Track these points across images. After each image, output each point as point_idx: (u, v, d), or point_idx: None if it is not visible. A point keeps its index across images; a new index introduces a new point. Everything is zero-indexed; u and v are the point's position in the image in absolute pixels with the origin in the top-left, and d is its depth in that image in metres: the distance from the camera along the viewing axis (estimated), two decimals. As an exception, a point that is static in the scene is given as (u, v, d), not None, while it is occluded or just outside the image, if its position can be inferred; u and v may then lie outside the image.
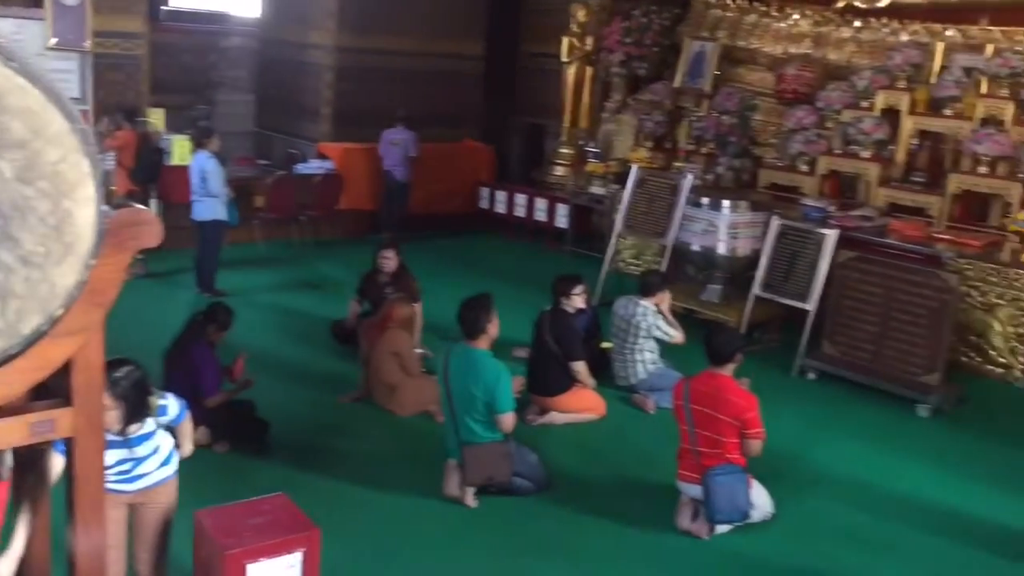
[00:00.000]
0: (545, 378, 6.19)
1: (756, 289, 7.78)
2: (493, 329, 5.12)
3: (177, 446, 3.86)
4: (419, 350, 6.79)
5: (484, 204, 11.96)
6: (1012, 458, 6.05)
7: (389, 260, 7.21)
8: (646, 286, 6.77)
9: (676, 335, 6.67)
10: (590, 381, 6.30)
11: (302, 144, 11.91)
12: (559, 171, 12.19)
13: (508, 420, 5.01)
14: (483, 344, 5.09)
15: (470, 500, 5.04)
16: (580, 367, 6.21)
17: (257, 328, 7.51)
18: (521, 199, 11.51)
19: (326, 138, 11.61)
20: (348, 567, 4.35)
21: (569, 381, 6.21)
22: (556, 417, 6.19)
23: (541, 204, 11.29)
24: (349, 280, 8.77)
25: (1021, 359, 7.28)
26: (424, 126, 11.44)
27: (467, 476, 5.02)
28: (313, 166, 11.14)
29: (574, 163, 11.85)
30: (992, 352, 7.41)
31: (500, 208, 11.76)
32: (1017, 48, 8.94)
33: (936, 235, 8.03)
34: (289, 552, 3.53)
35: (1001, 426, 6.55)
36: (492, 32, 12.87)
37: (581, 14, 12.10)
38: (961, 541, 4.97)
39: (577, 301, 6.39)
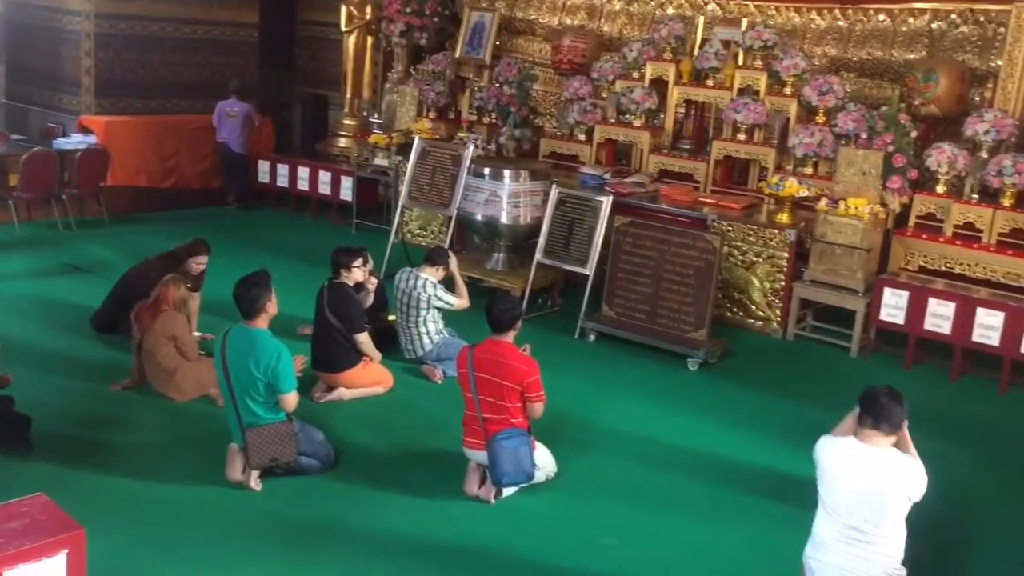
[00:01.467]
0: (329, 354, 6.10)
1: (538, 256, 7.99)
2: (272, 307, 5.00)
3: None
4: (197, 334, 6.51)
5: (264, 178, 11.54)
6: (770, 404, 6.55)
7: (202, 266, 6.78)
8: (429, 259, 6.79)
9: (458, 302, 6.74)
10: (375, 354, 6.27)
11: (62, 117, 11.08)
12: (343, 143, 11.98)
13: (291, 399, 4.92)
14: (262, 323, 4.95)
15: (254, 484, 4.92)
16: (363, 339, 6.17)
17: (14, 318, 6.98)
18: (304, 172, 11.21)
19: (88, 110, 10.85)
20: (123, 565, 4.15)
21: (355, 356, 6.15)
22: (344, 393, 6.12)
23: (325, 177, 11.04)
24: (118, 263, 8.30)
25: (777, 312, 7.88)
26: (196, 97, 10.97)
27: (250, 459, 4.88)
28: (74, 140, 10.42)
29: (357, 134, 11.69)
30: (753, 307, 7.99)
31: (282, 182, 11.40)
32: (769, 22, 9.59)
33: (702, 199, 8.54)
34: (50, 555, 3.30)
35: (760, 375, 7.07)
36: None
37: (359, -18, 11.91)
38: (728, 485, 5.33)
39: (357, 274, 6.33)
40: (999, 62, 8.35)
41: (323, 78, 12.98)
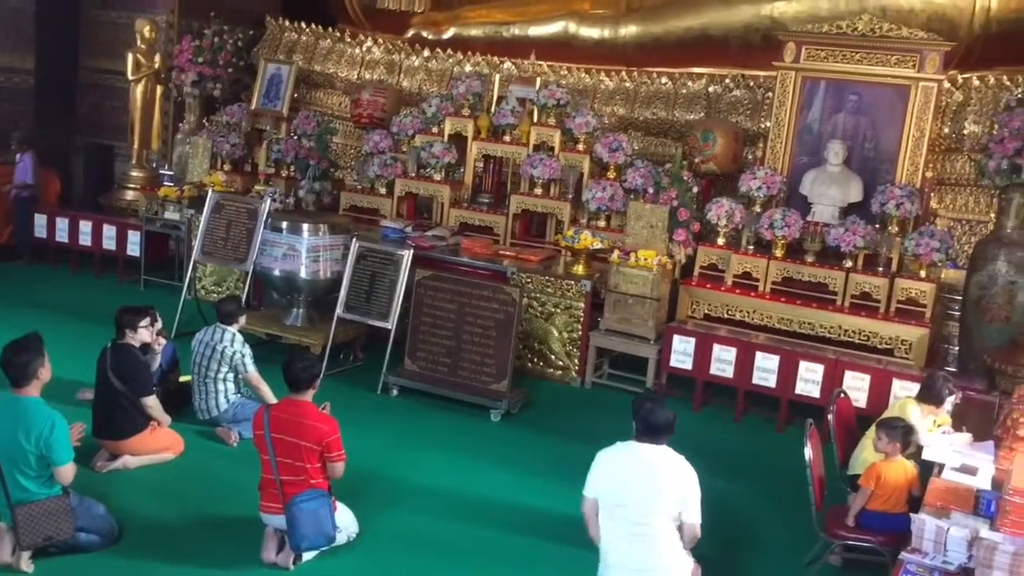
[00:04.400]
0: (113, 420, 5.72)
1: (339, 311, 7.86)
2: (45, 373, 4.64)
3: None
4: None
5: (42, 233, 10.76)
6: (569, 451, 6.62)
7: None
8: (224, 314, 6.53)
9: (262, 385, 6.41)
10: (164, 417, 5.94)
11: None
12: (130, 195, 11.42)
13: (67, 472, 4.56)
14: (33, 391, 4.59)
15: (25, 565, 4.51)
16: (151, 402, 5.84)
17: None
18: (86, 226, 10.53)
19: None
20: None
21: (142, 421, 5.80)
22: (129, 461, 5.75)
23: (110, 231, 10.41)
24: None
25: (576, 361, 8.10)
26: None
27: (21, 539, 4.49)
28: None
29: (146, 187, 11.17)
30: (552, 356, 8.17)
31: (62, 237, 10.66)
32: (561, 82, 10.00)
33: (501, 252, 8.70)
34: None
35: (560, 423, 7.21)
36: (45, 45, 11.73)
37: (147, 30, 11.50)
38: (529, 533, 5.39)
39: (144, 334, 5.99)
40: (768, 124, 9.05)
41: (108, 127, 12.37)
